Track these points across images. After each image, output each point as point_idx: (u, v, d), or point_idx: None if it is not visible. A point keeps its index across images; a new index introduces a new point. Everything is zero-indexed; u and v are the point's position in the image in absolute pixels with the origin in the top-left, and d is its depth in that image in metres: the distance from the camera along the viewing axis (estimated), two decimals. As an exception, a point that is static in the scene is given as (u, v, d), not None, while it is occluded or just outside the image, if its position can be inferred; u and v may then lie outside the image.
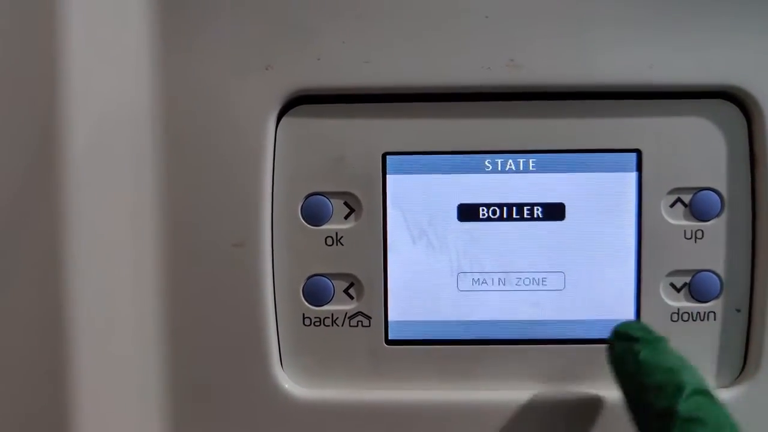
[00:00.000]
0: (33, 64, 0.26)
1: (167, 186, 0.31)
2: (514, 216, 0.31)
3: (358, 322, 0.32)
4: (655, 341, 0.28)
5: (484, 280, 0.32)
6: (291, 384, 0.32)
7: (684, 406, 0.25)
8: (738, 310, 0.31)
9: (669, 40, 0.30)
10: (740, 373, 0.32)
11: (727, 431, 0.25)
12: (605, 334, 0.32)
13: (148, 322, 0.31)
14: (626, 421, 0.31)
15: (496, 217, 0.31)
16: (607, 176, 0.31)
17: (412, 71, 0.30)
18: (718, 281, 0.31)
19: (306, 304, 0.32)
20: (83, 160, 0.28)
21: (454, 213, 0.32)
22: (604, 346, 0.31)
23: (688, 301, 0.32)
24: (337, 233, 0.32)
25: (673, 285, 0.32)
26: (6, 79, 0.25)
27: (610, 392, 0.31)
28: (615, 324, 0.29)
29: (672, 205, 0.31)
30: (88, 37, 0.28)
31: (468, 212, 0.32)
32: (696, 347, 0.32)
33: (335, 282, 0.32)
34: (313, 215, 0.31)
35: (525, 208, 0.31)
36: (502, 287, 0.32)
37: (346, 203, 0.32)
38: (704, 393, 0.26)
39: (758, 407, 0.31)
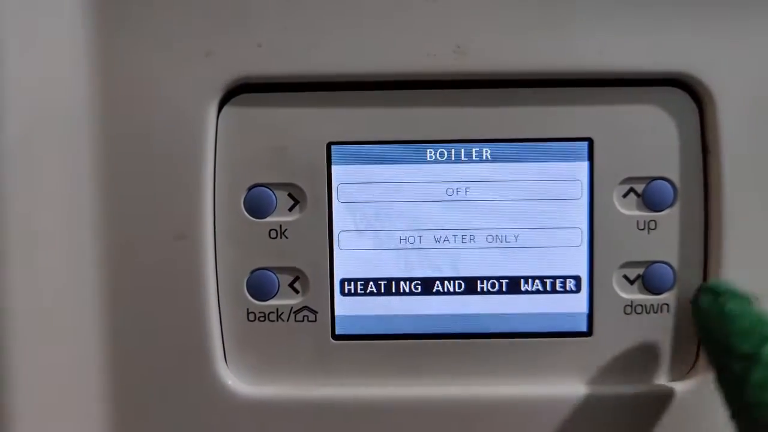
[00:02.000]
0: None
1: (105, 178, 0.30)
2: (467, 210, 0.31)
3: (303, 317, 0.31)
4: (742, 296, 0.28)
5: (434, 273, 0.31)
6: (235, 381, 0.31)
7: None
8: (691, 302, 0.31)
9: (619, 26, 0.30)
10: (693, 365, 0.31)
11: None
12: (557, 327, 0.31)
13: (85, 319, 0.30)
14: (580, 416, 0.31)
15: (445, 210, 0.31)
16: (557, 166, 0.31)
17: (355, 58, 0.30)
18: (671, 273, 0.31)
19: (250, 298, 0.31)
20: (15, 151, 0.27)
21: (403, 204, 0.31)
22: (555, 339, 0.31)
23: (641, 293, 0.31)
24: (281, 226, 0.31)
25: (626, 277, 0.31)
26: None
27: (564, 387, 0.31)
28: (567, 315, 0.29)
29: (625, 195, 0.31)
30: (18, 23, 0.27)
31: (416, 204, 0.31)
32: (650, 340, 0.31)
33: (280, 276, 0.31)
34: (256, 207, 0.31)
35: (477, 201, 0.31)
36: (451, 281, 0.31)
37: (290, 195, 0.31)
38: None
39: (710, 400, 0.30)
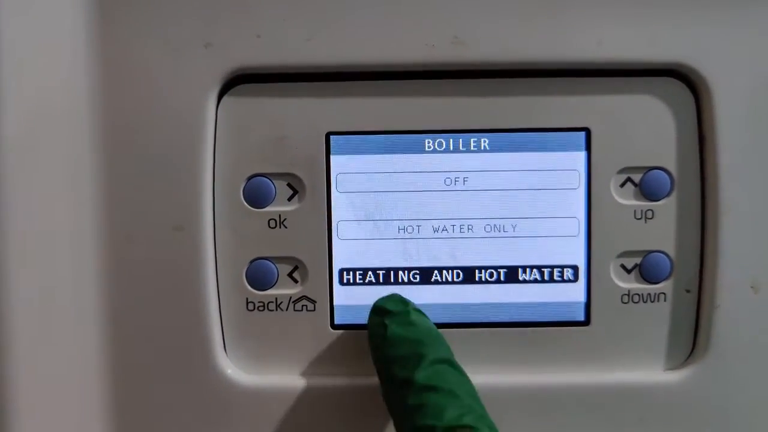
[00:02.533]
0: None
1: (105, 169, 0.30)
2: (465, 199, 0.31)
3: (302, 306, 0.31)
4: (405, 314, 0.28)
5: (432, 263, 0.31)
6: (234, 370, 0.31)
7: (421, 375, 0.26)
8: (688, 291, 0.31)
9: (617, 16, 0.30)
10: (690, 355, 0.31)
11: (460, 396, 0.25)
12: (554, 316, 0.31)
13: (87, 309, 0.30)
14: (577, 405, 0.31)
15: (444, 200, 0.31)
16: (555, 156, 0.31)
17: (354, 49, 0.30)
18: (668, 262, 0.31)
19: (249, 288, 0.31)
20: (17, 144, 0.27)
21: (402, 194, 0.31)
22: (552, 329, 0.31)
23: (638, 282, 0.31)
24: (280, 215, 0.31)
25: (623, 266, 0.31)
26: None
27: (562, 376, 0.31)
28: (565, 304, 0.29)
29: (622, 185, 0.31)
30: (18, 16, 0.27)
31: (415, 194, 0.31)
32: (646, 329, 0.31)
33: (279, 265, 0.31)
34: (256, 197, 0.31)
35: (476, 191, 0.31)
36: (451, 270, 0.31)
37: (289, 185, 0.31)
38: (444, 362, 0.27)
39: (707, 388, 0.30)
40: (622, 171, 0.31)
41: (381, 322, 0.28)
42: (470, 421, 0.25)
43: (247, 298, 0.31)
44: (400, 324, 0.28)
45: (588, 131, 0.31)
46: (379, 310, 0.29)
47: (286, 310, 0.31)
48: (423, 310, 0.31)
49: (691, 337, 0.31)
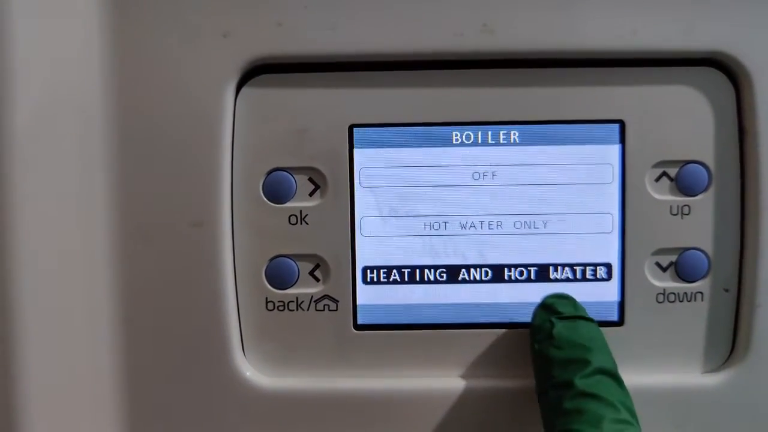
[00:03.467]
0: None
1: (120, 163, 0.29)
2: (494, 195, 0.30)
3: (324, 306, 0.30)
4: (574, 317, 0.28)
5: (460, 261, 0.30)
6: (253, 372, 0.30)
7: (583, 381, 0.26)
8: (726, 290, 0.30)
9: (653, 4, 0.28)
10: (729, 357, 0.30)
11: (620, 409, 0.25)
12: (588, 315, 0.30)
13: (102, 307, 0.29)
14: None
15: (472, 195, 0.30)
16: (588, 149, 0.29)
17: (379, 38, 0.29)
18: (705, 260, 0.30)
19: (269, 287, 0.30)
20: (28, 136, 0.26)
21: (427, 189, 0.30)
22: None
23: (674, 281, 0.30)
24: (301, 211, 0.30)
25: (658, 264, 0.30)
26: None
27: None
28: (598, 304, 0.28)
29: (657, 180, 0.30)
30: (32, 4, 0.26)
31: (441, 189, 0.30)
32: (683, 330, 0.30)
33: (300, 263, 0.30)
34: (276, 192, 0.30)
35: (505, 186, 0.30)
36: (479, 269, 0.30)
37: (310, 179, 0.30)
38: (607, 372, 0.26)
39: (748, 391, 0.29)
40: (657, 165, 0.30)
41: (548, 319, 0.28)
42: None
43: (266, 298, 0.30)
44: (569, 327, 0.27)
45: (622, 123, 0.29)
46: (548, 307, 0.29)
47: (308, 309, 0.30)
48: (449, 310, 0.29)
49: (729, 339, 0.30)
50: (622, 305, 0.30)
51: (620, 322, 0.30)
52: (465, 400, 0.29)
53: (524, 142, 0.30)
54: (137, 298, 0.29)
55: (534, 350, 0.28)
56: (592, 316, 0.28)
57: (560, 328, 0.27)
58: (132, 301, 0.29)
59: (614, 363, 0.27)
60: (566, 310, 0.28)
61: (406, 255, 0.30)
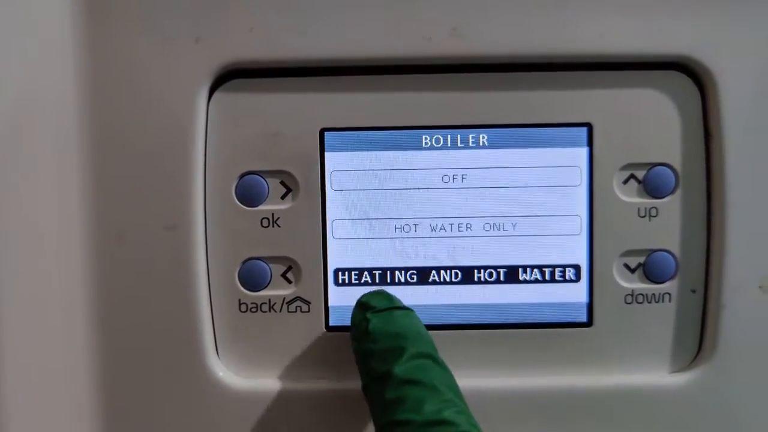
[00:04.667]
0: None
1: (94, 167, 0.29)
2: (463, 197, 0.30)
3: (296, 307, 0.30)
4: (388, 310, 0.28)
5: (430, 263, 0.30)
6: (227, 373, 0.30)
7: (400, 369, 0.25)
8: (693, 291, 0.30)
9: (620, 7, 0.29)
10: (696, 357, 0.30)
11: (441, 390, 0.25)
12: (556, 317, 0.31)
13: (76, 310, 0.29)
14: (580, 408, 0.30)
15: (442, 198, 0.30)
16: (556, 152, 0.30)
17: (349, 42, 0.29)
18: (673, 261, 0.30)
19: (242, 289, 0.30)
20: (1, 142, 0.26)
21: (398, 192, 0.30)
22: (554, 330, 0.31)
23: (642, 282, 0.30)
24: (273, 214, 0.30)
25: (626, 265, 0.30)
26: None
27: (564, 378, 0.30)
28: (566, 305, 0.28)
29: (625, 182, 0.30)
30: (4, 9, 0.27)
31: (412, 192, 0.30)
32: (651, 330, 0.30)
33: (272, 266, 0.30)
34: (248, 196, 0.30)
35: (475, 189, 0.30)
36: (449, 270, 0.30)
37: (282, 182, 0.30)
38: (425, 356, 0.26)
39: (714, 390, 0.30)
40: (625, 167, 0.30)
41: (364, 317, 0.28)
42: (450, 416, 0.24)
43: (239, 299, 0.30)
44: (383, 319, 0.27)
45: (590, 126, 0.30)
46: (363, 305, 0.28)
47: (280, 311, 0.30)
48: (420, 312, 0.30)
49: (696, 339, 0.30)
50: (590, 306, 0.30)
51: (589, 323, 0.30)
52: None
53: (493, 145, 0.30)
54: (112, 301, 0.30)
55: (354, 349, 0.28)
56: (559, 318, 0.29)
57: (375, 322, 0.27)
58: (107, 303, 0.30)
59: (434, 346, 0.27)
60: (380, 304, 0.28)
61: (377, 257, 0.30)
